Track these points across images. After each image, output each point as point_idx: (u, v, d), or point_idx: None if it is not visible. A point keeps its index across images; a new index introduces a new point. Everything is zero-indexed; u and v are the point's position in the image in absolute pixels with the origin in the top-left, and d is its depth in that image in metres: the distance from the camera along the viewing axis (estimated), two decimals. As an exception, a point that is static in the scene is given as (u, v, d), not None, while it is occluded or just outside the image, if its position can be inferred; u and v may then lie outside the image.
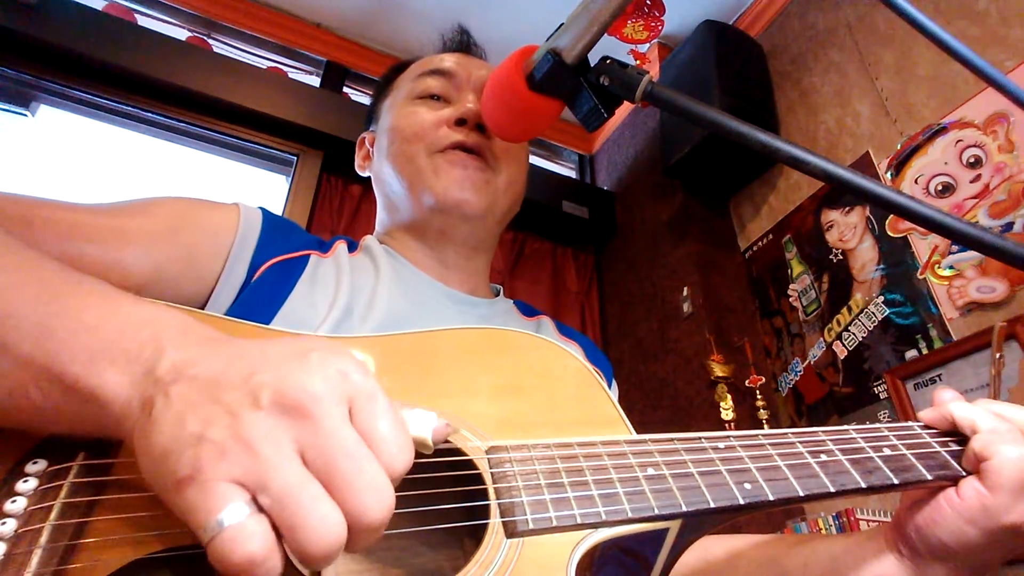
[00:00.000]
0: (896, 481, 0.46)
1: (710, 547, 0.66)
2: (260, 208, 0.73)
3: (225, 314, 0.62)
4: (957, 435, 0.51)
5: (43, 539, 0.32)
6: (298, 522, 0.28)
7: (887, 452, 0.48)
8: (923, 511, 0.49)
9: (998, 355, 0.60)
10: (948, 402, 0.53)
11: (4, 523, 0.33)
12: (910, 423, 0.53)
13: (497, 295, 0.88)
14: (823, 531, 1.57)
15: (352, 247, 0.80)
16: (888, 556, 0.53)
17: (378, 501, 0.30)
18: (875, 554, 0.54)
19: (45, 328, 0.34)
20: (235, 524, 0.27)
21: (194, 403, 0.30)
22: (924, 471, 0.47)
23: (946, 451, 0.50)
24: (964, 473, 0.48)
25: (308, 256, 0.71)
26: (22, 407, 0.34)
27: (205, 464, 0.28)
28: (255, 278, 0.65)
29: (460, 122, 0.78)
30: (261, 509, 0.28)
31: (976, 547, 0.47)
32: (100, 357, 0.33)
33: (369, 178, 0.93)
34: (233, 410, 0.30)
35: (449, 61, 0.86)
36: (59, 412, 0.34)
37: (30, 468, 0.36)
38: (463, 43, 0.93)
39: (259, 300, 0.63)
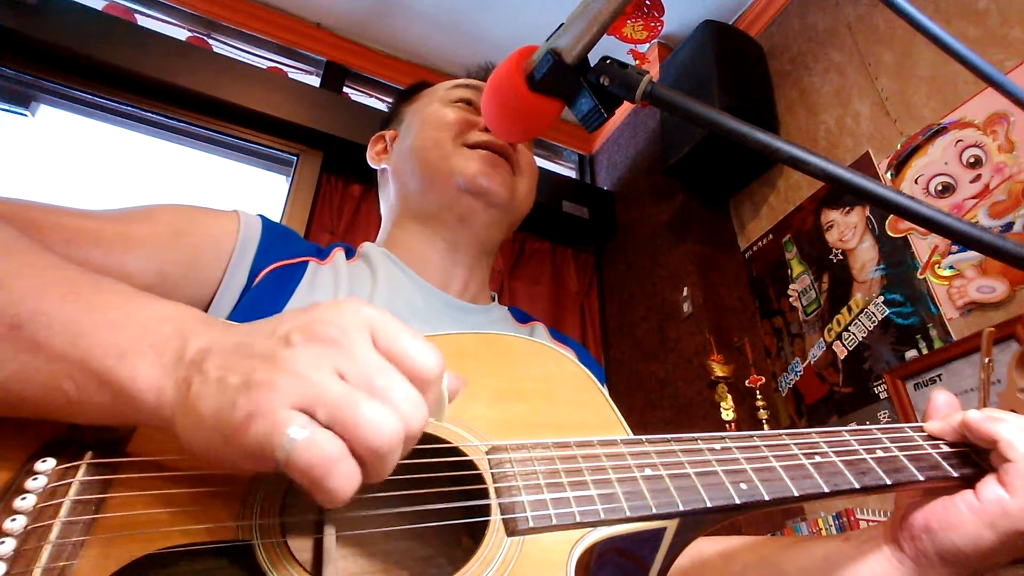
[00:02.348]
0: (889, 482, 0.47)
1: (703, 549, 0.66)
2: (260, 215, 0.74)
3: (226, 319, 0.63)
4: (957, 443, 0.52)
5: (52, 535, 0.33)
6: (357, 419, 0.30)
7: (880, 454, 0.49)
8: (936, 513, 0.49)
9: (987, 359, 0.60)
10: (956, 411, 0.53)
11: (14, 520, 0.33)
12: (902, 425, 0.53)
13: (493, 301, 0.90)
14: (823, 531, 1.57)
15: (350, 254, 0.82)
16: (886, 558, 0.53)
17: (416, 414, 0.32)
18: (872, 556, 0.54)
19: (75, 325, 0.36)
20: (305, 435, 0.30)
21: (230, 365, 0.33)
22: (916, 472, 0.48)
23: (936, 452, 0.50)
24: (955, 474, 0.49)
25: (307, 263, 0.73)
26: (54, 400, 0.36)
27: (260, 400, 0.30)
28: (255, 283, 0.66)
29: (488, 130, 0.81)
30: (322, 426, 0.31)
31: (988, 551, 0.47)
32: (130, 351, 0.35)
33: (372, 178, 0.94)
34: (269, 355, 0.32)
35: (477, 83, 0.92)
36: (92, 404, 0.35)
37: (39, 466, 0.36)
38: (487, 78, 0.97)
39: (259, 305, 0.64)
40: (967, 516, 0.47)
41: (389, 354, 0.34)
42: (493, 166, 0.81)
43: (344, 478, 0.30)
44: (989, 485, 0.48)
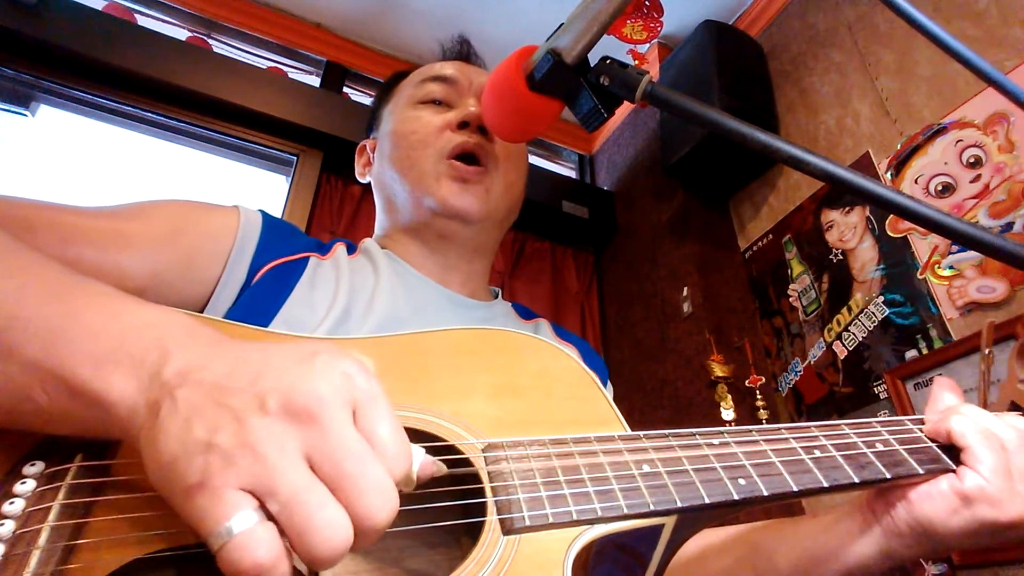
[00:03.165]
0: (888, 476, 0.47)
1: (687, 545, 0.67)
2: (260, 211, 0.73)
3: (224, 316, 0.62)
4: None
5: (41, 540, 0.33)
6: (307, 526, 0.29)
7: (879, 447, 0.49)
8: (919, 488, 0.50)
9: (987, 351, 0.61)
10: (958, 404, 0.54)
11: (2, 524, 0.33)
12: (902, 419, 0.53)
13: (496, 298, 0.89)
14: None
15: (351, 249, 0.81)
16: (860, 533, 0.54)
17: (384, 503, 0.31)
18: (847, 535, 0.55)
19: (51, 332, 0.34)
20: (244, 531, 0.28)
21: (200, 408, 0.31)
22: (915, 465, 0.48)
23: (937, 445, 0.51)
24: (954, 467, 0.50)
25: (307, 258, 0.72)
26: (26, 410, 0.35)
27: (214, 471, 0.29)
28: (255, 280, 0.65)
29: (463, 125, 0.80)
30: (269, 516, 0.29)
31: (959, 533, 0.49)
32: (106, 361, 0.33)
33: (369, 183, 0.93)
34: (240, 415, 0.30)
35: (450, 68, 0.87)
36: (64, 414, 0.34)
37: (28, 470, 0.36)
38: (463, 52, 0.95)
39: (258, 302, 0.64)
40: (947, 493, 0.49)
41: (366, 438, 0.32)
42: (463, 182, 0.77)
43: None
44: (965, 469, 0.49)
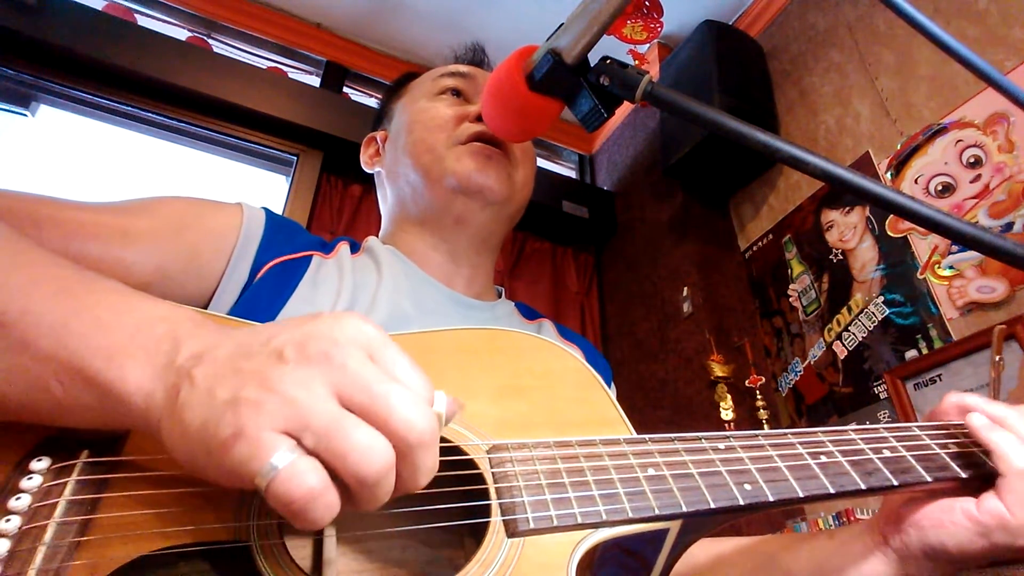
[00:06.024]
0: (896, 483, 0.46)
1: (696, 552, 0.66)
2: (263, 208, 0.73)
3: (227, 313, 0.62)
4: (960, 435, 0.52)
5: (47, 536, 0.33)
6: (346, 447, 0.29)
7: (887, 454, 0.48)
8: (930, 513, 0.50)
9: (997, 358, 0.60)
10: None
11: (8, 520, 0.33)
12: (909, 424, 0.53)
13: (499, 297, 0.89)
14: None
15: (355, 248, 0.81)
16: (874, 555, 0.53)
17: (419, 413, 0.31)
18: (861, 556, 0.54)
19: (64, 325, 0.35)
20: (288, 464, 0.29)
21: (220, 376, 0.31)
22: (923, 472, 0.48)
23: (945, 453, 0.50)
24: (963, 475, 0.49)
25: (311, 257, 0.72)
26: (42, 401, 0.35)
27: (245, 419, 0.29)
28: (257, 278, 0.65)
29: (480, 118, 0.79)
30: (308, 452, 0.30)
31: (974, 554, 0.48)
32: (119, 353, 0.34)
33: (372, 178, 0.93)
34: (260, 370, 0.31)
35: (465, 67, 0.89)
36: (80, 406, 0.35)
37: (34, 466, 0.36)
38: (476, 59, 0.96)
39: (261, 300, 0.63)
40: (963, 522, 0.48)
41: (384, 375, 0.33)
42: (487, 159, 0.77)
43: (322, 510, 0.29)
44: (990, 499, 0.48)
